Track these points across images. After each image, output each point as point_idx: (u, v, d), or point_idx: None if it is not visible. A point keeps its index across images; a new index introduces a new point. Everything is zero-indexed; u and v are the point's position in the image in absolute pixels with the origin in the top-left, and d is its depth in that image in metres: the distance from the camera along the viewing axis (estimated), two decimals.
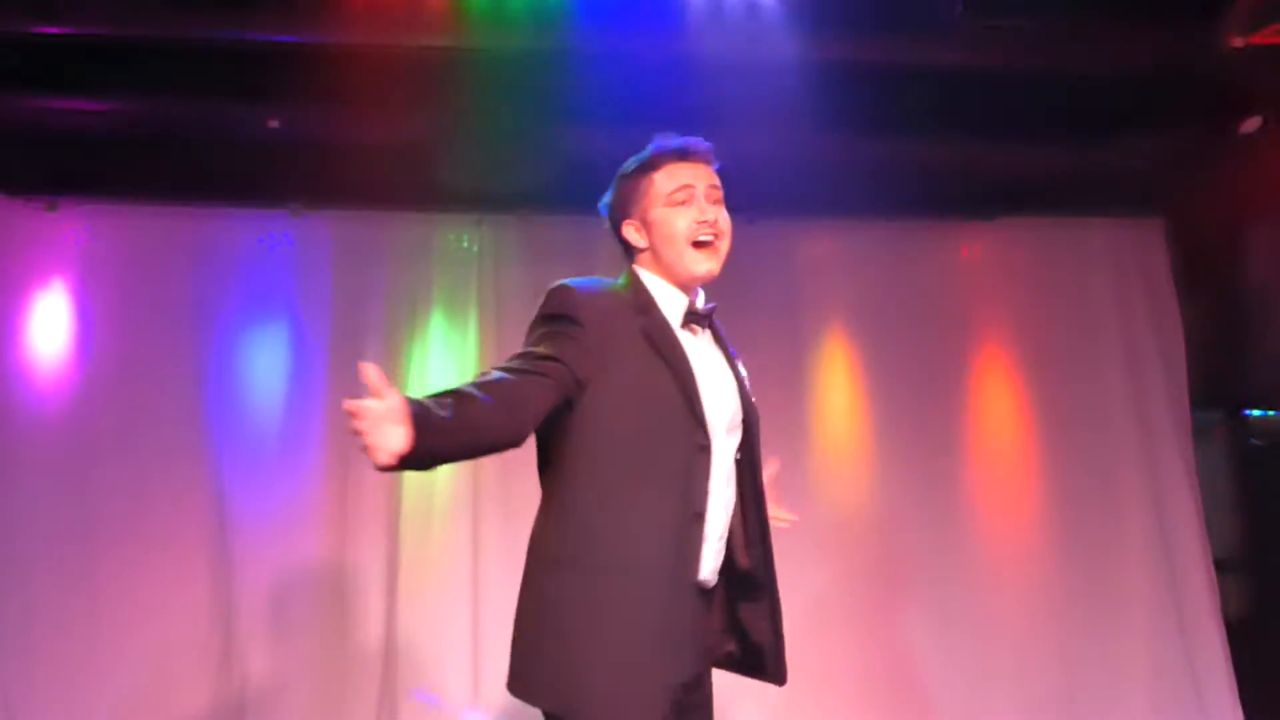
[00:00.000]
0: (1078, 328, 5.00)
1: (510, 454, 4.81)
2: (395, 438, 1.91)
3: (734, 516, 2.39)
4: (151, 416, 4.60)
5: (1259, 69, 3.95)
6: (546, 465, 2.34)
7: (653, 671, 2.20)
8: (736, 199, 4.57)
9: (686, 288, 2.39)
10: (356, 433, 1.91)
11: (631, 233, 2.41)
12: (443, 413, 1.98)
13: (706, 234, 2.36)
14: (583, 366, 2.21)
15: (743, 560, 2.41)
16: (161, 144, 4.44)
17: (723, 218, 2.40)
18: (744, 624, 2.44)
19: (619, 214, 2.43)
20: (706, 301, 2.44)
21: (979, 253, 5.06)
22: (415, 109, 4.18)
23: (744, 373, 2.44)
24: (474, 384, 2.09)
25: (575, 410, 2.23)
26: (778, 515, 2.53)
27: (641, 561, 2.21)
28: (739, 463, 2.38)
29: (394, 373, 4.76)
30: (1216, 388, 5.05)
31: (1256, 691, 4.68)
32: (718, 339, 2.45)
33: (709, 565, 2.33)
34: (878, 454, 4.89)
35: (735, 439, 2.38)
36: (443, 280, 4.87)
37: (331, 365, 4.73)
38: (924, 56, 3.99)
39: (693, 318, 2.37)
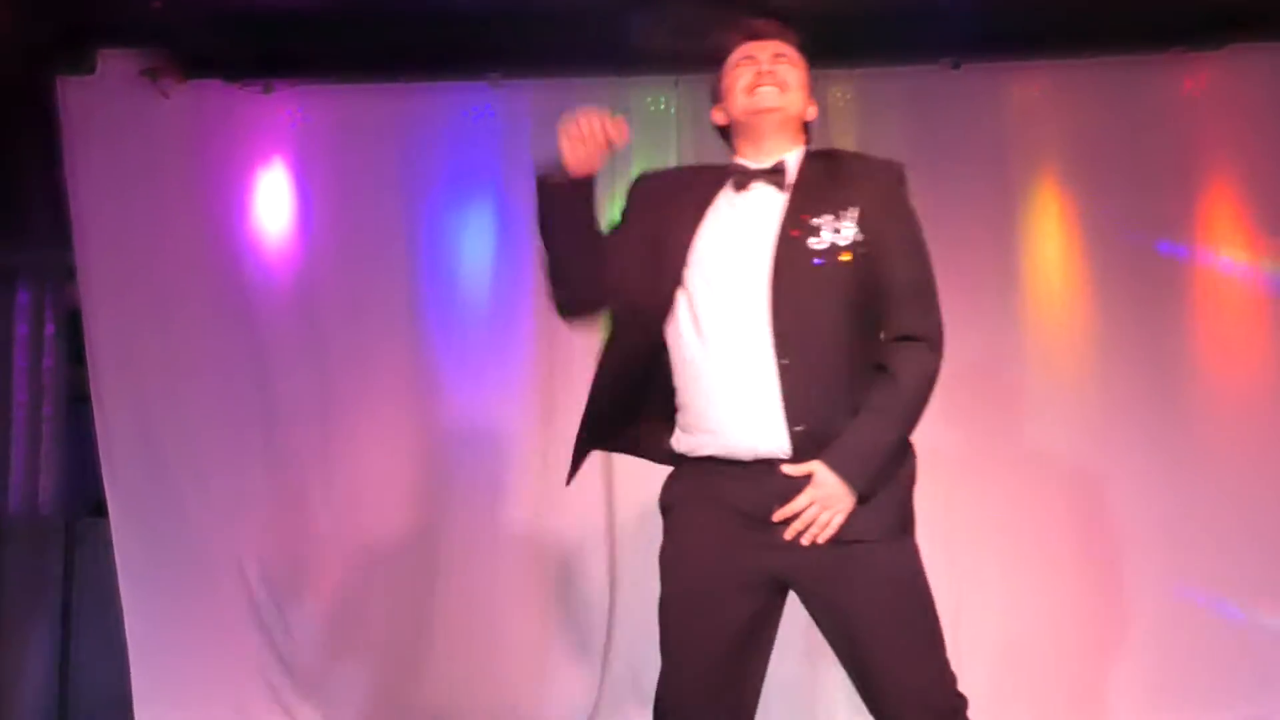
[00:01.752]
0: None
1: None
2: (585, 159, 2.32)
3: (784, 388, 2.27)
4: (370, 289, 4.81)
5: None
6: None
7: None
8: (940, 42, 4.49)
9: (765, 143, 2.43)
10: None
11: (717, 116, 2.52)
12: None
13: (764, 82, 2.41)
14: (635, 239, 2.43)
15: (780, 440, 2.28)
16: (364, 22, 4.55)
17: (784, 70, 2.44)
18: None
19: (712, 108, 2.54)
20: (822, 159, 2.46)
21: (1205, 86, 4.68)
22: None
23: (839, 225, 2.32)
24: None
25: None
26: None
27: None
28: (775, 321, 2.27)
29: None
30: None
31: None
32: (811, 197, 2.36)
33: (739, 435, 2.29)
34: (1094, 310, 4.69)
35: (754, 305, 2.29)
36: (641, 143, 4.85)
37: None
38: None
39: (746, 178, 2.40)
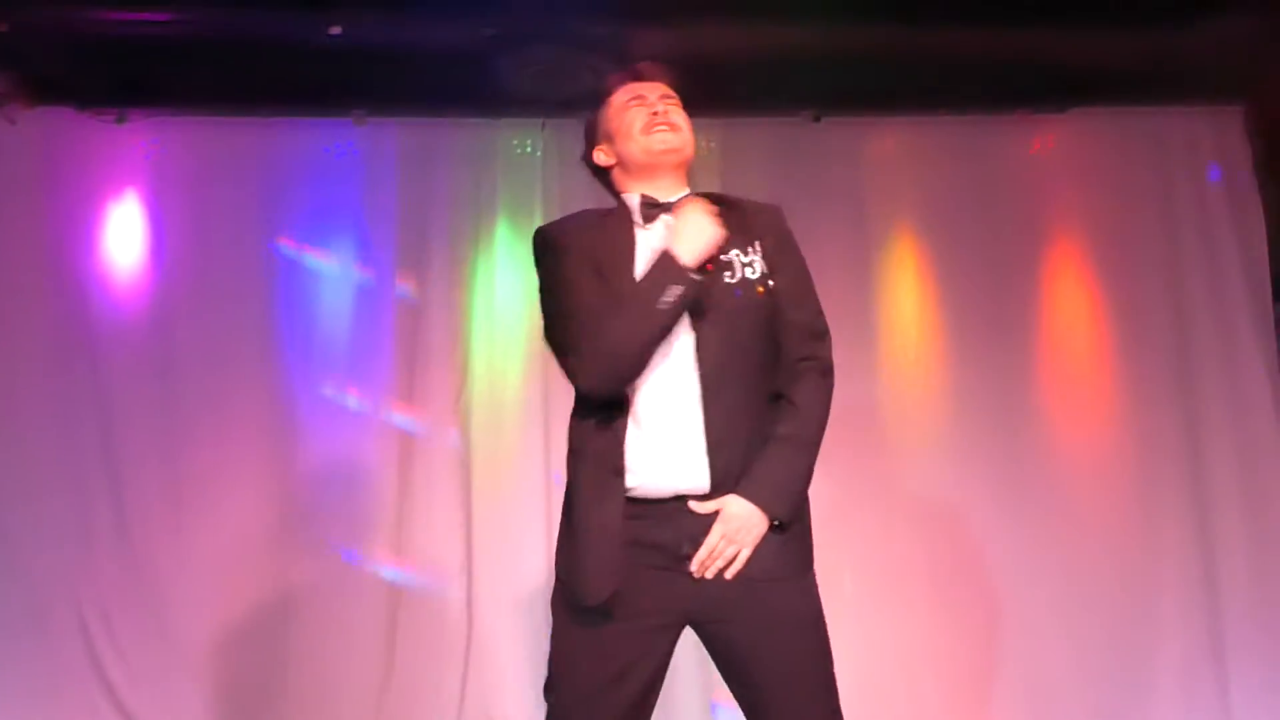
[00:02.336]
0: (1154, 221, 4.87)
1: None
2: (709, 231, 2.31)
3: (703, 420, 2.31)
4: (225, 324, 4.69)
5: None
6: None
7: (596, 551, 2.29)
8: (802, 95, 4.60)
9: (656, 181, 2.46)
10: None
11: (600, 156, 2.52)
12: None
13: (659, 122, 2.44)
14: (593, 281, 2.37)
15: (701, 475, 2.30)
16: (226, 53, 4.45)
17: (677, 113, 2.48)
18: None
19: (589, 148, 2.55)
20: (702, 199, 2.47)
21: (1051, 146, 4.93)
22: (475, 12, 4.15)
23: (747, 260, 2.39)
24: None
25: None
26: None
27: (582, 445, 2.38)
28: (700, 355, 2.32)
29: (460, 279, 4.80)
30: None
31: None
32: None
33: (660, 474, 2.29)
34: (947, 355, 4.84)
35: (687, 339, 2.33)
36: (507, 186, 4.88)
37: (399, 271, 4.78)
38: None
39: (653, 209, 2.43)
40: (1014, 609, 4.63)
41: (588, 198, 4.66)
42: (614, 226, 2.45)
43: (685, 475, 2.29)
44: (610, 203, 2.54)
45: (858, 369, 4.70)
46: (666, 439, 2.30)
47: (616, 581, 2.25)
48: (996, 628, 4.62)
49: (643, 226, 2.44)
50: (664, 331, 2.28)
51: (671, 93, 2.52)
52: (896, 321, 4.89)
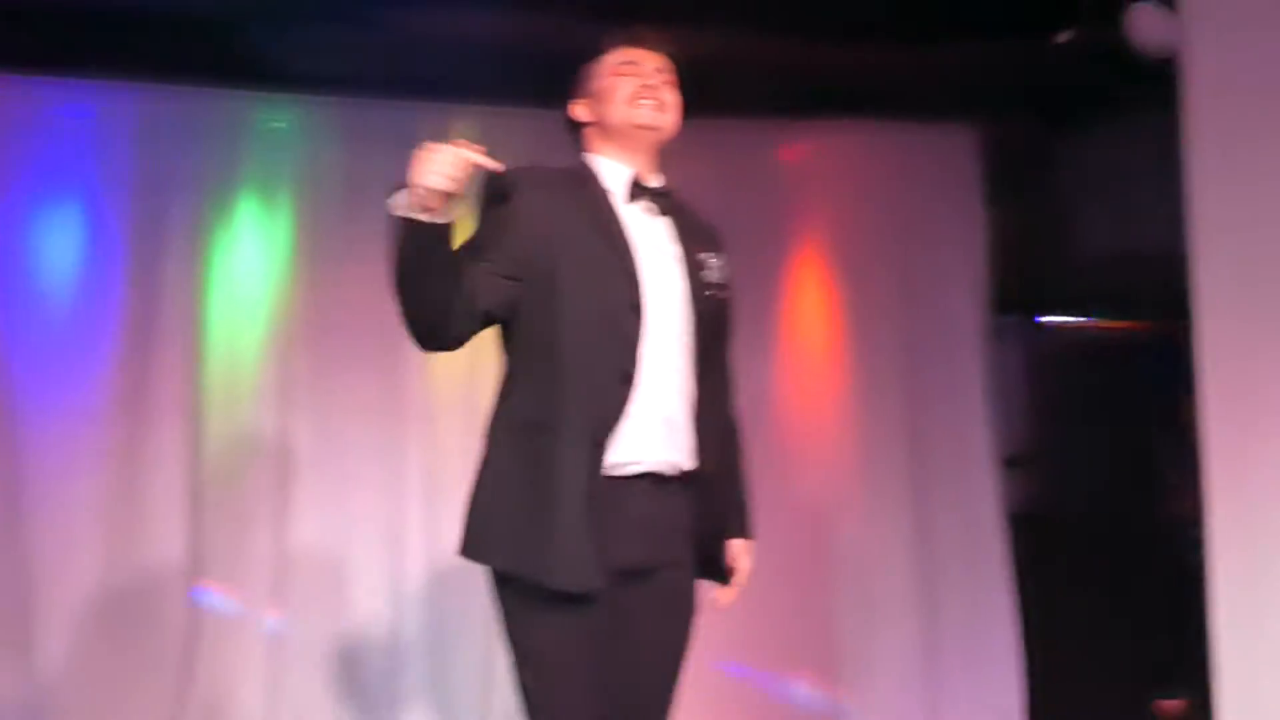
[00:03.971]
0: (890, 231, 5.11)
1: (321, 346, 4.73)
2: (441, 183, 2.12)
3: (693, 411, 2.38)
4: None
5: None
6: (502, 341, 2.40)
7: (581, 534, 2.20)
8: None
9: (633, 155, 2.43)
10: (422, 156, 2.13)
11: (580, 110, 2.47)
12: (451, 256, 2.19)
13: (650, 95, 2.41)
14: (520, 249, 2.28)
15: (692, 460, 2.37)
16: None
17: (670, 92, 2.45)
18: (700, 528, 2.43)
19: (572, 98, 2.49)
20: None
21: (798, 153, 5.12)
22: None
23: (717, 264, 2.45)
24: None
25: (518, 285, 2.30)
26: None
27: (569, 422, 2.23)
28: (694, 354, 2.37)
29: (200, 254, 4.62)
30: (1016, 295, 5.26)
31: (1029, 576, 5.00)
32: (687, 231, 2.45)
33: (656, 450, 2.31)
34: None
35: (680, 321, 2.36)
36: (255, 162, 4.71)
37: (131, 248, 4.56)
38: None
39: (640, 191, 2.40)
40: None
41: (342, 179, 4.62)
42: (590, 194, 2.38)
43: (674, 452, 2.34)
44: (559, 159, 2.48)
45: None
46: (658, 416, 2.31)
47: (604, 569, 2.21)
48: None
49: (625, 200, 2.40)
50: (421, 280, 2.21)
51: (668, 67, 2.48)
52: None
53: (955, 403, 5.08)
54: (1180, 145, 3.76)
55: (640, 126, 2.40)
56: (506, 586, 2.28)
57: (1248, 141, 3.55)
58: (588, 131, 2.47)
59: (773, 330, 5.07)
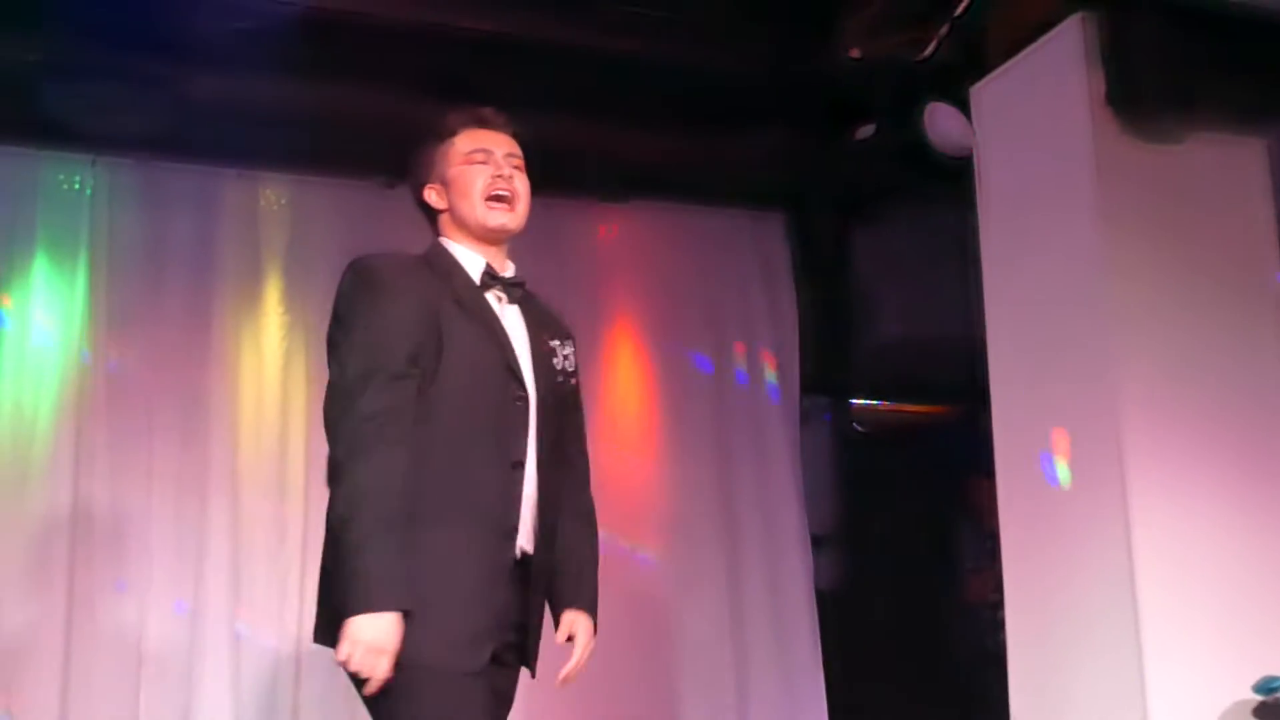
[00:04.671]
0: (703, 312, 5.23)
1: (119, 411, 4.51)
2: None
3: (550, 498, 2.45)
4: None
5: (874, 78, 4.24)
6: None
7: (476, 618, 2.25)
8: (375, 160, 4.55)
9: (487, 247, 2.46)
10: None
11: (432, 196, 2.48)
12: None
13: (502, 189, 2.43)
14: (415, 341, 2.28)
15: (528, 544, 2.39)
16: None
17: (521, 181, 2.48)
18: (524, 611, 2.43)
19: (420, 180, 2.50)
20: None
21: (615, 233, 5.19)
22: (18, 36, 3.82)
23: (566, 352, 2.50)
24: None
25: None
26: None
27: (467, 511, 2.27)
28: (539, 428, 2.40)
29: None
30: (825, 377, 5.41)
31: (837, 653, 5.09)
32: (535, 320, 2.49)
33: (526, 530, 2.36)
34: None
35: (540, 409, 2.41)
36: (49, 223, 4.49)
37: None
38: (567, 36, 4.03)
39: (493, 281, 2.43)
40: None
41: (140, 241, 4.45)
42: (458, 279, 2.41)
43: (529, 538, 2.39)
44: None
45: None
46: (529, 502, 2.37)
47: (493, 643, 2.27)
48: None
49: (495, 297, 2.43)
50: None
51: (517, 150, 2.50)
52: None
53: (768, 481, 5.17)
54: (973, 236, 3.92)
55: (492, 229, 2.44)
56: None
57: (1034, 233, 3.72)
58: (443, 220, 2.49)
59: (588, 407, 5.02)
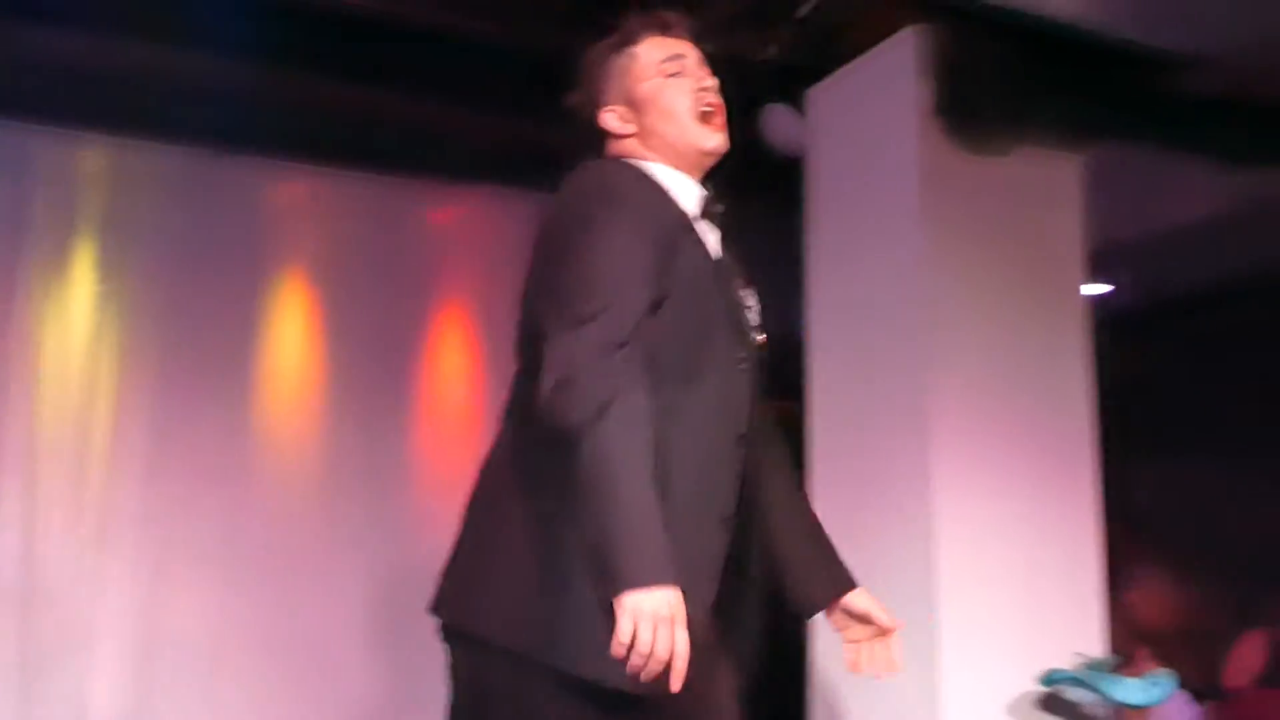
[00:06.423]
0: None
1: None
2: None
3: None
4: None
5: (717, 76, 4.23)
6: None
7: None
8: (205, 125, 4.41)
9: (694, 172, 2.07)
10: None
11: (612, 120, 2.07)
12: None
13: (710, 104, 2.06)
14: (654, 269, 1.90)
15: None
16: None
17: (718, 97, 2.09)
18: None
19: (594, 102, 2.09)
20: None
21: (449, 215, 5.14)
22: None
23: (752, 303, 2.15)
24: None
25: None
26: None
27: (685, 490, 1.87)
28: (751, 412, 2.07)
29: None
30: None
31: None
32: (730, 258, 2.12)
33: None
34: (328, 406, 4.81)
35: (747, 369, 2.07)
36: None
37: None
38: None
39: (709, 210, 2.06)
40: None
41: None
42: (673, 206, 2.00)
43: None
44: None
45: (235, 405, 4.59)
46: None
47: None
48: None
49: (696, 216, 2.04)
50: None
51: (706, 60, 2.10)
52: (279, 369, 4.77)
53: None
54: (801, 237, 4.00)
55: (708, 152, 2.06)
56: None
57: (860, 237, 3.82)
58: (626, 144, 2.08)
59: (414, 389, 5.00)
